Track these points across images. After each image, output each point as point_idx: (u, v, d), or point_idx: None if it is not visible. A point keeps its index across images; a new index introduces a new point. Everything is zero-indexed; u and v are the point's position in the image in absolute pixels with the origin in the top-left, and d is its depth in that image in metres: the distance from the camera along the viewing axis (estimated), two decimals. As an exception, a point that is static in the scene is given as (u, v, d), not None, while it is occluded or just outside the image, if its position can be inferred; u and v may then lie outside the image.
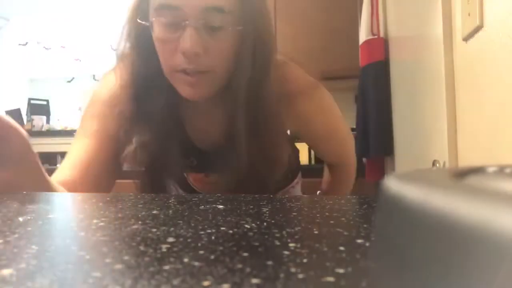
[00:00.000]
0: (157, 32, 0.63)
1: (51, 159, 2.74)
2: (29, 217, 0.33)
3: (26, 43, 3.12)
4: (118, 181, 0.80)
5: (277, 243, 0.24)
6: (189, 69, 0.62)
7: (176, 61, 0.62)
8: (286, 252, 0.21)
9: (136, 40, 0.68)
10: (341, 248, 0.22)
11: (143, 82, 0.69)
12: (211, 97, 0.67)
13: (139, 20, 0.65)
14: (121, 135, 0.72)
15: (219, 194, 0.50)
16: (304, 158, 2.07)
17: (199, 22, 0.60)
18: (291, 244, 0.23)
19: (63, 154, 2.78)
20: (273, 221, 0.31)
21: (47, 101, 3.07)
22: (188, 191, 0.83)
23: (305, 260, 0.20)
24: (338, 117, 0.84)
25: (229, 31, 0.62)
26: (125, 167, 0.78)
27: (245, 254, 0.21)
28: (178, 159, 0.75)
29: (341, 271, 0.18)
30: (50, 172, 2.00)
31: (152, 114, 0.69)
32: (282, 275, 0.17)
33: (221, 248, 0.22)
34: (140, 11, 0.66)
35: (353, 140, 0.90)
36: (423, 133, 1.21)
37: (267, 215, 0.34)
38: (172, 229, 0.28)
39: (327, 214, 0.35)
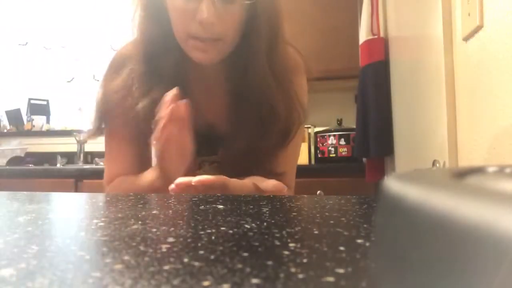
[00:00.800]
0: (173, 0, 0.67)
1: (51, 159, 2.74)
2: (29, 217, 0.33)
3: (26, 43, 3.12)
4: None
5: (277, 243, 0.24)
6: (203, 37, 0.67)
7: (191, 28, 0.66)
8: (286, 252, 0.21)
9: (148, 6, 0.71)
10: (341, 248, 0.22)
11: (153, 43, 0.73)
12: (219, 66, 0.73)
13: None
14: (133, 91, 0.74)
15: (219, 194, 0.50)
16: (304, 158, 2.07)
17: None
18: (291, 244, 0.23)
19: (63, 154, 2.78)
20: (273, 221, 0.31)
21: (47, 101, 3.07)
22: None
23: (305, 260, 0.20)
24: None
25: (241, 4, 0.67)
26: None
27: (245, 254, 0.21)
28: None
29: (341, 271, 0.18)
30: (51, 171, 1.97)
31: (162, 71, 0.72)
32: (282, 275, 0.17)
33: (221, 248, 0.22)
34: None
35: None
36: (423, 133, 1.21)
37: (267, 215, 0.34)
38: (172, 229, 0.28)
39: (327, 214, 0.35)
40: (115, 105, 0.75)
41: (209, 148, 0.78)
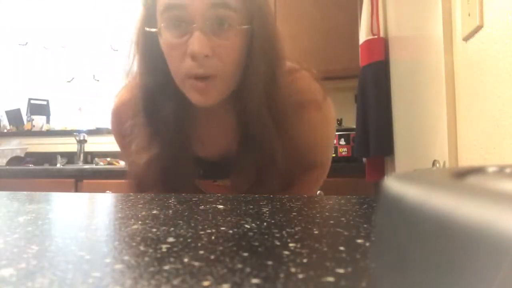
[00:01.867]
0: (165, 37, 0.63)
1: (51, 159, 2.74)
2: (29, 217, 0.33)
3: (26, 43, 3.12)
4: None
5: (277, 243, 0.24)
6: (199, 74, 0.62)
7: (185, 65, 0.62)
8: (286, 252, 0.21)
9: (144, 50, 0.68)
10: (341, 248, 0.22)
11: (152, 94, 0.69)
12: (221, 103, 0.67)
13: (147, 29, 0.65)
14: (133, 149, 0.73)
15: (219, 194, 0.50)
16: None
17: (206, 24, 0.60)
18: (291, 244, 0.23)
19: (63, 154, 2.78)
20: (273, 221, 0.31)
21: (47, 101, 3.07)
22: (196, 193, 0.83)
23: (305, 260, 0.20)
24: (333, 132, 0.85)
25: (236, 30, 0.62)
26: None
27: (245, 254, 0.21)
28: (188, 171, 0.76)
29: (341, 271, 0.18)
30: (51, 171, 1.97)
31: (161, 125, 0.69)
32: (282, 275, 0.17)
33: (221, 248, 0.22)
34: (148, 19, 0.66)
35: (331, 155, 0.86)
36: (423, 133, 1.21)
37: (267, 215, 0.34)
38: (172, 229, 0.28)
39: (327, 214, 0.35)
40: (124, 148, 0.77)
41: (222, 173, 0.76)
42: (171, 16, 0.61)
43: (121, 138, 0.79)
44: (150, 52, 0.67)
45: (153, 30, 0.64)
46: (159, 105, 0.69)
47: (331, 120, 0.80)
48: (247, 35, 0.64)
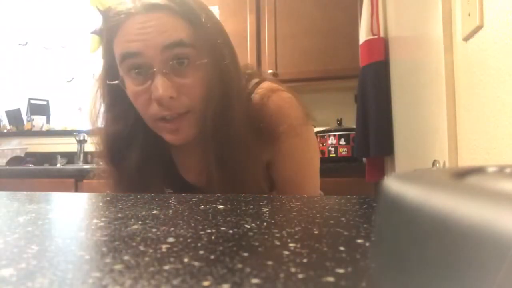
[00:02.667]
0: (129, 86, 0.63)
1: (51, 159, 2.74)
2: (29, 217, 0.33)
3: (26, 43, 3.12)
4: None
5: (277, 243, 0.24)
6: (167, 116, 0.62)
7: (153, 110, 0.62)
8: (286, 252, 0.21)
9: (110, 102, 0.68)
10: (341, 248, 0.22)
11: (118, 142, 0.69)
12: (193, 140, 0.67)
13: (109, 82, 0.65)
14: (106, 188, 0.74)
15: (219, 194, 0.50)
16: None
17: (165, 66, 0.60)
18: (291, 244, 0.23)
19: (63, 154, 2.78)
20: (273, 221, 0.31)
21: (47, 101, 3.07)
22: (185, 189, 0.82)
23: (305, 260, 0.20)
24: (316, 157, 0.79)
25: (196, 66, 0.61)
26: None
27: (245, 254, 0.21)
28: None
29: (341, 271, 0.18)
30: (51, 171, 1.97)
31: (129, 171, 0.69)
32: (282, 275, 0.17)
33: (221, 248, 0.22)
34: (110, 73, 0.66)
35: (318, 183, 0.80)
36: (423, 133, 1.21)
37: (267, 215, 0.34)
38: (172, 229, 0.28)
39: (327, 214, 0.35)
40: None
41: (195, 193, 0.77)
42: (129, 64, 0.62)
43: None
44: (115, 103, 0.68)
45: (115, 82, 0.64)
46: (124, 152, 0.69)
47: (311, 146, 0.76)
48: (208, 68, 0.63)
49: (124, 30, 0.61)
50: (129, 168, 0.69)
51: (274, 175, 0.74)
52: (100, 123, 0.72)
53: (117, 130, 0.68)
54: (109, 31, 0.63)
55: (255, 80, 0.74)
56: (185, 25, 0.61)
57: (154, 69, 0.60)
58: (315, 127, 0.78)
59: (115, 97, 0.67)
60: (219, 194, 0.66)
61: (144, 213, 0.35)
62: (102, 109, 0.71)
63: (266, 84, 0.73)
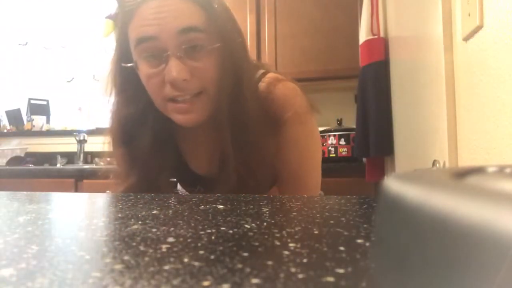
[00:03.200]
0: (142, 69, 0.65)
1: (51, 159, 2.74)
2: (29, 217, 0.33)
3: (26, 43, 3.12)
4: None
5: (277, 243, 0.24)
6: (180, 97, 0.64)
7: (165, 92, 0.64)
8: (286, 252, 0.21)
9: (122, 85, 0.70)
10: (341, 248, 0.22)
11: (129, 124, 0.71)
12: (205, 122, 0.68)
13: (123, 64, 0.67)
14: (115, 175, 0.77)
15: (219, 194, 0.50)
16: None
17: (179, 49, 0.62)
18: (291, 244, 0.23)
19: (63, 154, 2.78)
20: (273, 221, 0.31)
21: (47, 101, 3.07)
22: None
23: (305, 260, 0.20)
24: (319, 151, 0.81)
25: (208, 50, 0.64)
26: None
27: (245, 254, 0.21)
28: (185, 187, 0.77)
29: (341, 271, 0.18)
30: (51, 171, 1.97)
31: (140, 154, 0.71)
32: (282, 275, 0.17)
33: (221, 248, 0.22)
34: (123, 56, 0.68)
35: (320, 179, 0.81)
36: (423, 133, 1.21)
37: (267, 215, 0.34)
38: (172, 229, 0.28)
39: (327, 214, 0.35)
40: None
41: (206, 184, 0.78)
42: (144, 48, 0.63)
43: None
44: (128, 85, 0.69)
45: (129, 65, 0.66)
46: (136, 135, 0.71)
47: (315, 138, 0.78)
48: (220, 52, 0.65)
49: (140, 15, 0.63)
50: (140, 150, 0.71)
51: (278, 166, 0.75)
52: (112, 106, 0.73)
53: (128, 112, 0.70)
54: (125, 16, 0.65)
55: (261, 71, 0.77)
56: (199, 10, 0.63)
57: (168, 53, 0.62)
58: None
59: (127, 81, 0.69)
60: (228, 184, 0.68)
61: (144, 213, 0.35)
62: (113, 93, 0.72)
63: (271, 74, 0.76)
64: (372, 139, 1.70)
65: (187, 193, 0.84)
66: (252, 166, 0.68)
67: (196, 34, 0.62)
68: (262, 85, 0.73)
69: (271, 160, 0.71)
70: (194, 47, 0.63)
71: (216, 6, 0.65)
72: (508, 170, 0.13)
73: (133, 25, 0.64)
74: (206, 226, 0.29)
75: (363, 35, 1.80)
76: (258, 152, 0.68)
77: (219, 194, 0.50)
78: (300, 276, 0.17)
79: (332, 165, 1.90)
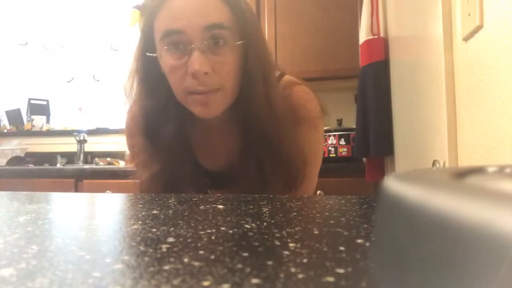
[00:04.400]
0: (166, 60, 0.67)
1: (51, 159, 2.74)
2: (29, 217, 0.33)
3: (26, 43, 3.12)
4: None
5: (277, 243, 0.24)
6: (200, 90, 0.66)
7: (187, 84, 0.66)
8: (286, 252, 0.21)
9: (144, 73, 0.71)
10: (341, 248, 0.22)
11: (152, 115, 0.73)
12: (221, 116, 0.70)
13: (147, 54, 0.68)
14: (134, 165, 0.78)
15: (219, 194, 0.50)
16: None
17: (203, 43, 0.64)
18: (291, 244, 0.23)
19: (63, 154, 2.78)
20: (273, 221, 0.31)
21: (47, 101, 3.07)
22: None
23: (305, 260, 0.20)
24: (322, 149, 0.86)
25: (232, 46, 0.66)
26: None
27: (245, 254, 0.21)
28: (192, 183, 0.78)
29: (341, 271, 0.18)
30: (51, 171, 1.97)
31: (162, 144, 0.73)
32: (282, 275, 0.17)
33: (221, 248, 0.22)
34: (147, 46, 0.69)
35: (316, 180, 0.85)
36: (423, 133, 1.21)
37: (267, 215, 0.34)
38: (172, 229, 0.28)
39: (327, 214, 0.35)
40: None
41: (221, 183, 0.80)
42: (170, 40, 0.65)
43: (132, 155, 0.83)
44: (150, 75, 0.71)
45: (154, 55, 0.68)
46: (159, 125, 0.73)
47: (322, 138, 0.83)
48: (242, 50, 0.68)
49: (168, 8, 0.65)
50: (162, 140, 0.72)
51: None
52: (134, 96, 0.75)
53: (150, 103, 0.72)
54: (153, 7, 0.67)
55: (278, 72, 0.80)
56: (225, 8, 0.65)
57: (193, 46, 0.63)
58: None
59: (150, 71, 0.70)
60: (247, 177, 0.69)
61: (144, 213, 0.35)
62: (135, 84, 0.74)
63: (288, 77, 0.79)
64: (372, 139, 1.70)
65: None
66: (269, 163, 0.71)
67: (221, 31, 0.64)
68: (280, 86, 0.76)
69: (287, 157, 0.73)
70: (217, 43, 0.65)
71: (242, 5, 0.68)
72: (508, 170, 0.13)
73: (161, 17, 0.65)
74: (206, 226, 0.29)
75: (363, 35, 1.80)
76: (278, 149, 0.71)
77: (220, 195, 0.50)
78: (300, 276, 0.17)
79: (332, 165, 1.90)
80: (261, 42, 0.72)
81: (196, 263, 0.19)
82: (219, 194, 0.69)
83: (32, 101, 3.02)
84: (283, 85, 0.76)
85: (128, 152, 0.86)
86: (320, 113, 0.78)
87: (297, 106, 0.75)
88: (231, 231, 0.27)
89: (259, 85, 0.70)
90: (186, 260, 0.20)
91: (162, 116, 0.72)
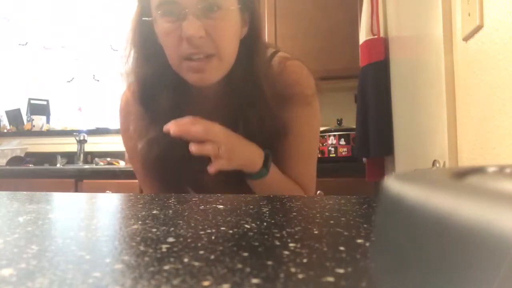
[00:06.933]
0: (160, 24, 0.67)
1: (51, 159, 2.74)
2: (29, 217, 0.33)
3: (26, 43, 3.12)
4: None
5: (277, 243, 0.24)
6: (195, 54, 0.66)
7: (181, 49, 0.66)
8: (286, 252, 0.21)
9: (140, 40, 0.72)
10: (341, 248, 0.22)
11: (148, 84, 0.73)
12: (217, 87, 0.70)
13: (144, 18, 0.69)
14: (132, 134, 0.77)
15: (219, 194, 0.50)
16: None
17: (197, 8, 0.64)
18: (291, 244, 0.23)
19: (63, 154, 2.78)
20: (273, 221, 0.31)
21: (47, 101, 3.07)
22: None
23: (305, 260, 0.20)
24: (317, 131, 0.85)
25: (227, 11, 0.66)
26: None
27: (245, 254, 0.21)
28: (188, 159, 0.77)
29: (341, 271, 0.18)
30: (51, 171, 1.96)
31: (159, 112, 0.72)
32: (282, 275, 0.17)
33: (221, 248, 0.22)
34: (143, 14, 0.70)
35: (315, 164, 0.84)
36: (423, 133, 1.21)
37: (267, 215, 0.34)
38: (172, 229, 0.28)
39: (327, 214, 0.35)
40: (130, 150, 0.82)
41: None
42: (165, 7, 0.65)
43: (127, 137, 0.83)
44: (146, 42, 0.71)
45: (149, 19, 0.68)
46: (155, 91, 0.73)
47: (317, 114, 0.82)
48: (239, 16, 0.69)
49: None
50: (159, 107, 0.72)
51: (284, 146, 0.77)
52: (130, 63, 0.75)
53: (147, 71, 0.72)
54: None
55: (272, 49, 0.80)
56: None
57: (186, 10, 0.64)
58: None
59: (146, 37, 0.71)
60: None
61: (144, 213, 0.35)
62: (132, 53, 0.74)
63: (281, 53, 0.80)
64: (372, 139, 1.70)
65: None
66: (256, 133, 0.71)
67: None
68: (273, 63, 0.76)
69: (271, 131, 0.73)
70: (212, 7, 0.64)
71: None
72: (508, 170, 0.13)
73: None
74: (206, 226, 0.29)
75: (363, 35, 1.80)
76: (266, 120, 0.71)
77: (219, 195, 0.50)
78: (300, 276, 0.17)
79: (332, 165, 1.90)
80: (256, 7, 0.72)
81: (196, 263, 0.19)
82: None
83: (32, 101, 3.02)
84: (277, 60, 0.77)
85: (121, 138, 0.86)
86: (314, 90, 0.78)
87: (291, 82, 0.75)
88: (231, 231, 0.27)
89: (256, 56, 0.70)
90: (186, 260, 0.20)
91: (158, 84, 0.72)
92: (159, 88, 0.72)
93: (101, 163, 2.58)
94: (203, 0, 0.64)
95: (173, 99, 0.72)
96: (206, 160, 0.80)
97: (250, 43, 0.71)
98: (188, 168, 0.79)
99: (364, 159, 1.85)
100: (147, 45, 0.71)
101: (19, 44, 3.13)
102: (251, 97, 0.70)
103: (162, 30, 0.67)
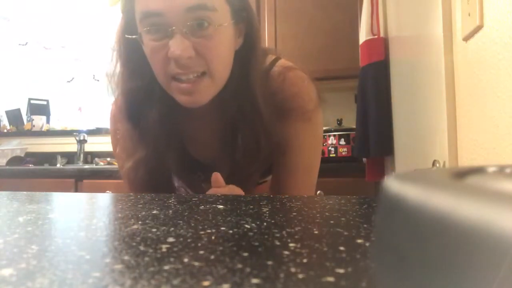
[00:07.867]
0: (147, 43, 0.62)
1: (51, 159, 2.74)
2: (29, 217, 0.33)
3: (26, 43, 3.12)
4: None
5: (277, 243, 0.24)
6: (183, 75, 0.62)
7: (168, 69, 0.62)
8: (286, 252, 0.21)
9: (127, 57, 0.68)
10: (341, 248, 0.22)
11: (135, 98, 0.69)
12: (209, 105, 0.66)
13: (127, 36, 0.65)
14: (118, 152, 0.75)
15: (218, 194, 0.50)
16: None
17: (185, 25, 0.59)
18: (291, 244, 0.23)
19: (63, 154, 2.78)
20: (273, 221, 0.31)
21: (47, 101, 3.07)
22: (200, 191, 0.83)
23: (305, 260, 0.20)
24: (318, 148, 0.81)
25: (216, 28, 0.61)
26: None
27: (245, 254, 0.21)
28: (182, 175, 0.76)
29: (341, 271, 0.18)
30: (51, 171, 1.97)
31: (148, 129, 0.69)
32: (282, 275, 0.17)
33: (221, 248, 0.22)
34: (128, 28, 0.66)
35: (316, 177, 0.80)
36: (423, 133, 1.21)
37: (267, 215, 0.34)
38: (172, 229, 0.28)
39: (327, 214, 0.35)
40: (119, 167, 0.79)
41: (205, 170, 0.76)
42: (150, 22, 0.61)
43: (116, 156, 0.81)
44: (132, 58, 0.67)
45: (133, 37, 0.64)
46: (143, 109, 0.69)
47: (316, 129, 0.78)
48: (233, 31, 0.64)
49: None
50: (147, 125, 0.69)
51: (282, 160, 0.74)
52: (116, 78, 0.71)
53: (134, 86, 0.68)
54: None
55: (272, 57, 0.75)
56: None
57: (174, 28, 0.59)
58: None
59: (132, 52, 0.67)
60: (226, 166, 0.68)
61: (144, 213, 0.35)
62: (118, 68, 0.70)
63: (283, 62, 0.74)
64: (372, 139, 1.70)
65: (186, 187, 0.83)
66: (254, 151, 0.68)
67: (204, 12, 0.59)
68: (273, 73, 0.71)
69: (270, 147, 0.70)
70: (201, 24, 0.60)
71: None
72: (508, 170, 0.13)
73: None
74: (206, 226, 0.29)
75: (363, 35, 1.80)
76: (262, 137, 0.68)
77: (220, 197, 0.50)
78: (300, 276, 0.17)
79: (332, 165, 1.90)
80: (250, 22, 0.67)
81: (196, 263, 0.19)
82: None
83: (32, 101, 3.02)
84: (277, 71, 0.72)
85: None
86: (315, 104, 0.73)
87: (291, 95, 0.70)
88: (231, 231, 0.27)
89: (252, 69, 0.66)
90: (186, 260, 0.20)
91: (145, 99, 0.68)
92: (148, 104, 0.68)
93: (101, 163, 2.58)
94: (192, 16, 0.59)
95: (163, 116, 0.68)
96: (194, 179, 0.79)
97: (246, 55, 0.66)
98: (174, 187, 0.78)
99: (364, 159, 1.85)
100: (134, 60, 0.67)
101: (19, 44, 3.12)
102: (245, 114, 0.67)
103: (148, 48, 0.62)
